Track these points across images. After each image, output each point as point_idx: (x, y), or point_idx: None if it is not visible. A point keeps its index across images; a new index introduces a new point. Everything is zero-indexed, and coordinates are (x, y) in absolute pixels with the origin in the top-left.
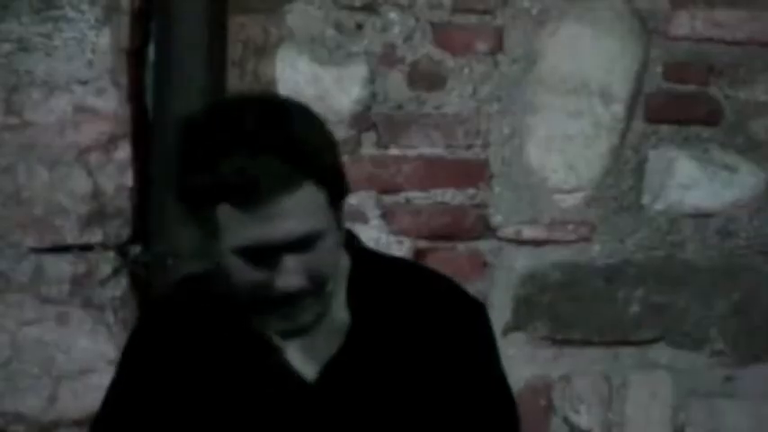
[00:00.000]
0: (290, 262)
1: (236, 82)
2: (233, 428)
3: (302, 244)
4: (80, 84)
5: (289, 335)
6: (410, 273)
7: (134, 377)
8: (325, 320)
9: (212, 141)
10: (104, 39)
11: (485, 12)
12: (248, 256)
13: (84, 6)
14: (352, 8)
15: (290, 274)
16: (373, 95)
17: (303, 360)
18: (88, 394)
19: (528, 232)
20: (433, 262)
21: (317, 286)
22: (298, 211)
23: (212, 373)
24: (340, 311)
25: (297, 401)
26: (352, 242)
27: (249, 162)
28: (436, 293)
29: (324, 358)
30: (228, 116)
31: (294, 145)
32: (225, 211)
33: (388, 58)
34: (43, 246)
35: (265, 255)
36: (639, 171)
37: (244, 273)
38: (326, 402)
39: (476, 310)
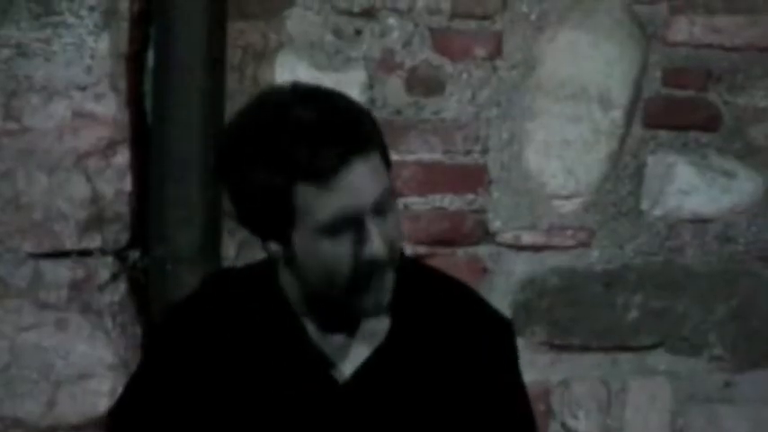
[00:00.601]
0: (375, 227)
1: (235, 87)
2: (261, 423)
3: (379, 207)
4: (79, 89)
5: (376, 312)
6: (445, 285)
7: (163, 367)
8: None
9: (271, 125)
10: (103, 44)
11: (484, 17)
12: (334, 230)
13: (83, 12)
14: (350, 14)
15: (379, 240)
16: (372, 101)
17: (339, 359)
18: (87, 399)
19: (527, 238)
20: None
21: (394, 255)
22: (371, 173)
23: (244, 366)
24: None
25: (327, 400)
26: None
27: (319, 132)
28: (469, 309)
29: (358, 359)
30: (281, 99)
31: (355, 112)
32: (304, 191)
33: (386, 63)
34: (42, 251)
35: (350, 225)
36: (638, 176)
37: (334, 250)
38: (356, 403)
39: (505, 328)
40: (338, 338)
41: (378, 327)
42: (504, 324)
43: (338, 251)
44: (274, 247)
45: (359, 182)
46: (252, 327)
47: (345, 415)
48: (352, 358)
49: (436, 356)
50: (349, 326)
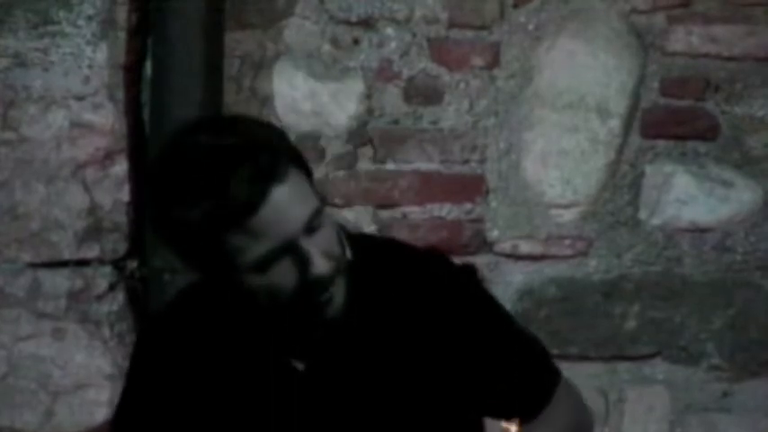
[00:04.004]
0: (311, 247)
1: (232, 97)
2: (236, 420)
3: (310, 226)
4: (77, 99)
5: (327, 325)
6: (394, 251)
7: (148, 381)
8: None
9: (189, 175)
10: (101, 54)
11: (481, 27)
12: (269, 264)
13: (81, 22)
14: (348, 23)
15: (318, 258)
16: (370, 110)
17: (298, 345)
18: (84, 409)
19: (524, 247)
20: None
21: (338, 262)
22: (293, 198)
23: (217, 372)
24: None
25: (291, 389)
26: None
27: (225, 170)
28: (433, 261)
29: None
30: (187, 146)
31: (261, 140)
32: (229, 237)
33: (384, 73)
34: (40, 261)
35: (285, 253)
36: (636, 186)
37: (274, 280)
38: (318, 387)
39: (467, 274)
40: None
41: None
42: (464, 271)
43: (279, 280)
44: (218, 280)
45: (282, 213)
46: (222, 330)
47: (312, 398)
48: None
49: (400, 324)
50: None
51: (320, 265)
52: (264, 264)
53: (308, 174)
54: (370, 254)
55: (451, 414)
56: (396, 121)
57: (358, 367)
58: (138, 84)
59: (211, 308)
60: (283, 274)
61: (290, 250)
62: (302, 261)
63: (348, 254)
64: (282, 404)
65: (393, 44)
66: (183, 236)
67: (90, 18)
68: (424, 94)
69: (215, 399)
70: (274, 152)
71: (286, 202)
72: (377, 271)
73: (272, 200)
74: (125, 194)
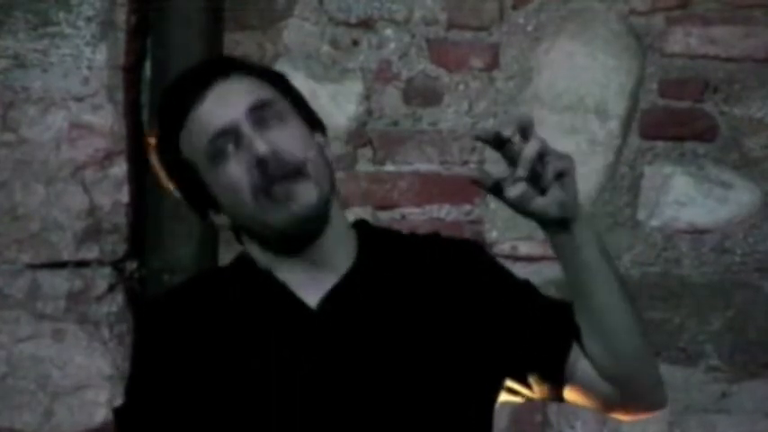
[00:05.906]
0: (253, 133)
1: None
2: (249, 364)
3: (260, 118)
4: (76, 100)
5: (297, 225)
6: (408, 233)
7: (156, 353)
8: (328, 234)
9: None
10: (100, 55)
11: (480, 28)
12: (219, 152)
13: (81, 23)
14: (347, 24)
15: (260, 141)
16: (369, 112)
17: (307, 293)
18: (84, 410)
19: (524, 248)
20: None
21: (296, 165)
22: (238, 88)
23: (230, 327)
24: (344, 248)
25: (302, 327)
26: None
27: (184, 81)
28: (437, 239)
29: (327, 289)
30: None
31: (230, 58)
32: (184, 135)
33: (383, 74)
34: (39, 262)
35: (230, 140)
36: (635, 187)
37: (229, 170)
38: (330, 327)
39: (475, 244)
40: (305, 277)
41: (345, 262)
42: (473, 242)
43: (231, 169)
44: (214, 216)
45: (223, 97)
46: (229, 293)
47: (323, 340)
48: (321, 290)
49: (410, 279)
50: (308, 250)
51: (261, 145)
52: (214, 153)
53: (294, 99)
54: (389, 230)
55: (469, 380)
56: (395, 123)
57: (373, 316)
58: (137, 85)
59: (221, 279)
60: (233, 162)
61: (235, 136)
62: (245, 144)
63: (311, 170)
64: (295, 345)
65: (392, 45)
66: (165, 147)
67: (89, 19)
68: (423, 95)
69: (227, 348)
70: (232, 62)
71: (228, 91)
72: (394, 238)
73: (215, 88)
74: (124, 196)
